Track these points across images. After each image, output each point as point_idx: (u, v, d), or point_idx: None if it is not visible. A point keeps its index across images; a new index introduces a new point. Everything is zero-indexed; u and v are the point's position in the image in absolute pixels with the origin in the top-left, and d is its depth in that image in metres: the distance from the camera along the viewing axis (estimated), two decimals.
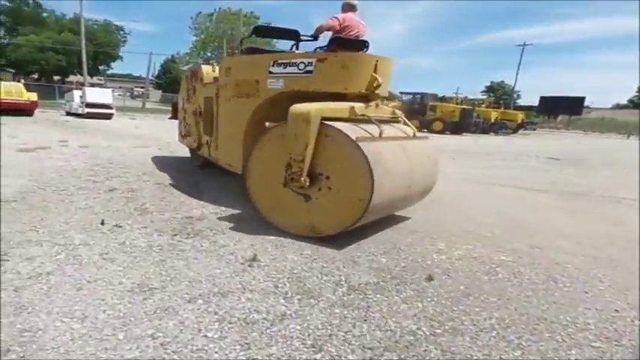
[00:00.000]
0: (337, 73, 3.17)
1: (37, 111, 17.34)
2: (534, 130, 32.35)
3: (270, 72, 3.38)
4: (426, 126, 22.36)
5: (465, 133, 22.23)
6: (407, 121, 3.62)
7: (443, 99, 25.65)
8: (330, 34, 3.92)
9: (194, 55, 42.54)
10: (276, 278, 2.25)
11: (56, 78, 43.86)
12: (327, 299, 2.05)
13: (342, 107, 3.05)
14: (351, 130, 2.80)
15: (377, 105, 3.48)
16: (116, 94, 41.57)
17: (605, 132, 35.98)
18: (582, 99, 42.38)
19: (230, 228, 3.03)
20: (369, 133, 2.88)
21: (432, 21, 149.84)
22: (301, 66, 3.23)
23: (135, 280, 2.11)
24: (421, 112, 23.33)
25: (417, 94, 24.34)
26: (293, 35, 3.97)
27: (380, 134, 2.91)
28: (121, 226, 2.89)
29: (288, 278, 2.26)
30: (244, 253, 2.56)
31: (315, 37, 4.05)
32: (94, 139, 8.00)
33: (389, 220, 3.40)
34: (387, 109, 3.63)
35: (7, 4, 44.65)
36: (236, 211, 3.46)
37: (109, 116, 14.45)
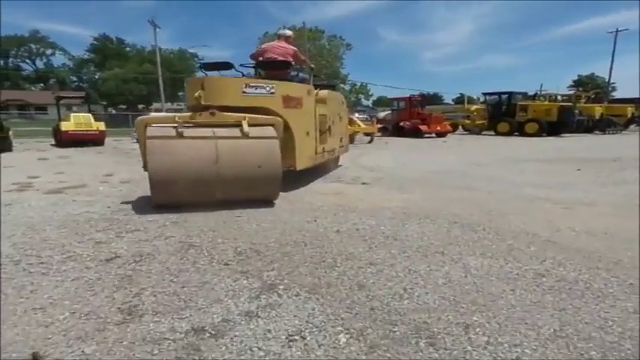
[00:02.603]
0: (189, 92, 4.71)
1: (112, 139, 17.66)
2: None
3: None
4: (517, 129, 19.69)
5: (563, 134, 19.20)
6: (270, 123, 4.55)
7: (535, 97, 22.62)
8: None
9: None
10: None
11: (140, 107, 46.45)
12: None
13: (165, 116, 5.13)
14: (156, 131, 4.04)
15: (212, 114, 4.33)
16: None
17: None
18: None
19: None
20: (169, 133, 3.99)
21: (503, 18, 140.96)
22: None
23: None
24: (510, 113, 20.65)
25: (503, 93, 21.61)
26: (228, 66, 5.23)
27: (180, 134, 3.98)
28: None
29: None
30: None
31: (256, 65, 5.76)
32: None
33: None
34: (226, 116, 4.37)
35: (95, 42, 48.69)
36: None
37: None
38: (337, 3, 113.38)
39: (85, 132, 12.68)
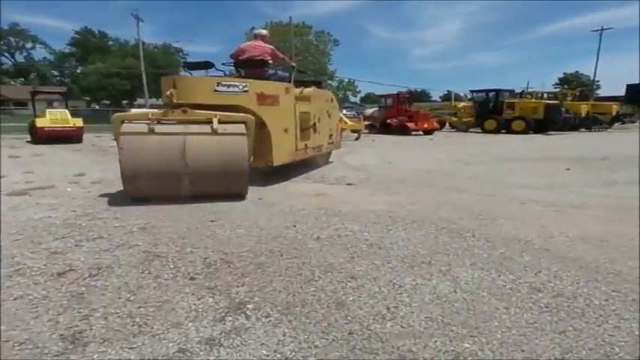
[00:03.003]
0: (163, 90, 4.77)
1: (93, 135, 17.16)
2: (634, 122, 28.06)
3: None
4: (504, 126, 19.68)
5: (550, 132, 19.24)
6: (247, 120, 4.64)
7: (521, 95, 22.66)
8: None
9: None
10: None
11: (125, 102, 45.59)
12: None
13: (140, 113, 4.90)
14: (130, 127, 4.22)
15: (184, 111, 4.48)
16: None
17: None
18: None
19: None
20: (141, 130, 4.18)
21: (491, 16, 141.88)
22: None
23: None
24: (497, 111, 20.64)
25: (491, 91, 21.58)
26: (209, 65, 5.43)
27: (151, 130, 4.17)
28: None
29: None
30: None
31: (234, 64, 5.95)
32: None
33: None
34: (198, 113, 4.50)
35: (77, 36, 47.49)
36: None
37: None
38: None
39: (61, 128, 12.19)
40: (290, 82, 5.86)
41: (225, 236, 3.09)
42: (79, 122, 12.76)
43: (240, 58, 5.79)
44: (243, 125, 4.56)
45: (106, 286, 2.21)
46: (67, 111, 12.99)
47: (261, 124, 5.06)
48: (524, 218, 3.59)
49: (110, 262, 2.54)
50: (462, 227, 3.31)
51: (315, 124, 6.32)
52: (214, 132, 4.33)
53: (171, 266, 2.49)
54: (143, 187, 4.14)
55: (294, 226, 3.37)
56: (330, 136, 7.23)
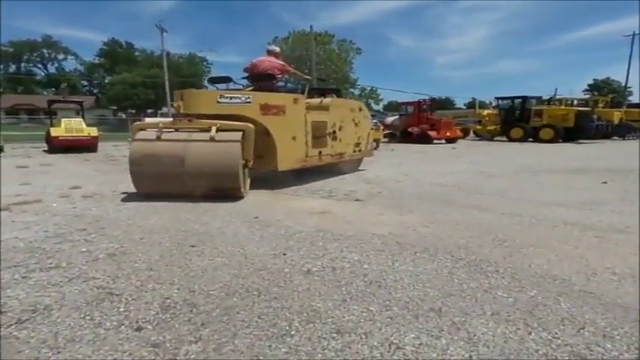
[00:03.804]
0: (175, 102, 5.49)
1: (111, 144, 17.19)
2: None
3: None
4: (531, 135, 18.78)
5: (580, 140, 18.25)
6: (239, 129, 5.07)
7: (549, 102, 21.68)
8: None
9: None
10: None
11: (150, 111, 46.29)
12: None
13: (155, 122, 5.81)
14: (142, 134, 4.98)
15: (190, 120, 5.10)
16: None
17: None
18: None
19: None
20: (151, 137, 4.85)
21: (516, 24, 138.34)
22: None
23: None
24: (523, 118, 19.75)
25: (517, 98, 20.70)
26: (228, 80, 6.21)
27: (158, 137, 4.82)
28: None
29: None
30: None
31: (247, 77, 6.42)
32: (124, 183, 6.49)
33: None
34: (201, 122, 5.04)
35: (105, 47, 48.70)
36: None
37: None
38: (350, 9, 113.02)
39: (75, 138, 12.14)
40: (302, 93, 6.30)
41: (199, 267, 2.63)
42: (93, 132, 12.70)
43: (252, 72, 6.32)
44: (240, 133, 4.97)
45: (30, 337, 1.78)
46: (82, 120, 12.95)
47: (266, 132, 5.51)
48: (558, 246, 3.01)
49: (52, 302, 2.12)
50: (483, 258, 2.76)
51: (334, 133, 6.72)
52: (212, 139, 4.81)
53: (121, 309, 2.05)
54: (149, 185, 4.85)
55: (284, 254, 2.89)
56: (358, 144, 7.55)
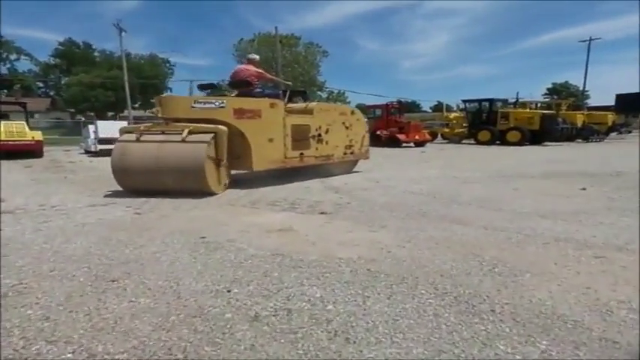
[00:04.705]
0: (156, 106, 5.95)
1: (62, 149, 16.01)
2: (630, 132, 27.44)
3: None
4: (499, 137, 18.83)
5: (546, 143, 18.43)
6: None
7: (515, 104, 21.90)
8: None
9: None
10: None
11: (110, 114, 44.30)
12: None
13: (135, 126, 6.11)
14: (125, 136, 5.61)
15: (167, 123, 5.59)
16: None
17: None
18: None
19: None
20: (131, 138, 5.47)
21: (477, 29, 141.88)
22: None
23: None
24: (491, 121, 19.81)
25: (484, 100, 20.77)
26: (214, 87, 7.79)
27: (137, 139, 5.41)
28: None
29: None
30: None
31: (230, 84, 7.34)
32: (59, 195, 5.70)
33: None
34: (177, 125, 5.51)
35: (60, 47, 46.29)
36: None
37: None
38: (317, 13, 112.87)
39: (17, 142, 11.07)
40: (279, 98, 6.75)
41: (114, 315, 2.01)
42: (37, 135, 11.67)
43: (233, 79, 6.93)
44: (210, 135, 5.41)
45: None
46: (24, 123, 11.84)
47: (242, 135, 5.89)
48: (557, 272, 2.55)
49: None
50: (474, 291, 2.26)
51: (319, 136, 7.05)
52: (183, 140, 5.27)
53: None
54: (128, 181, 5.45)
55: (228, 291, 2.30)
56: (349, 146, 7.81)
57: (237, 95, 6.61)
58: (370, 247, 3.11)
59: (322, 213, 4.35)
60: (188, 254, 2.96)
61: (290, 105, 6.94)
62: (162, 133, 5.47)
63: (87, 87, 38.91)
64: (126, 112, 43.86)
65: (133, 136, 5.47)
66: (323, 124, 7.13)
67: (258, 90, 6.82)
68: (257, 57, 7.40)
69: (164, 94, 6.08)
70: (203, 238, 3.38)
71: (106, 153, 11.93)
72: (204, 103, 5.77)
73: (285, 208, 4.69)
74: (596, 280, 2.41)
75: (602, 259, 2.80)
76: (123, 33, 30.95)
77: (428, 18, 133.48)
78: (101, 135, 12.20)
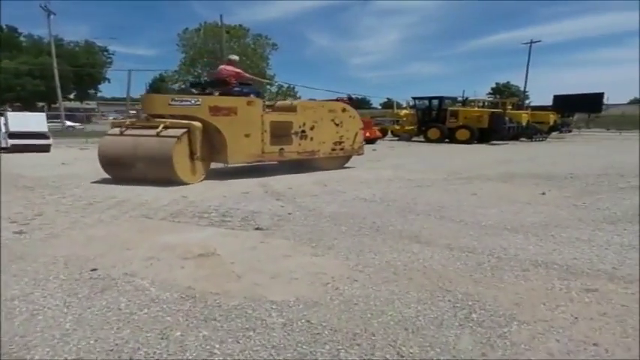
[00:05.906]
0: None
1: None
2: (570, 132, 28.66)
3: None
4: (448, 135, 18.82)
5: (493, 141, 18.65)
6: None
7: (464, 103, 22.08)
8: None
9: (183, 73, 39.52)
10: None
11: (41, 104, 40.73)
12: None
13: (122, 121, 7.33)
14: (112, 130, 6.39)
15: (148, 119, 6.18)
16: (111, 118, 38.33)
17: (632, 128, 32.33)
18: (601, 95, 37.51)
19: None
20: (116, 132, 6.21)
21: (426, 28, 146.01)
22: None
23: None
24: (440, 119, 19.78)
25: (434, 98, 20.73)
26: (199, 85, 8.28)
27: (121, 133, 6.10)
28: None
29: None
30: None
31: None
32: None
33: None
34: (156, 121, 6.00)
35: None
36: None
37: (44, 148, 11.06)
38: (267, 6, 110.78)
39: None
40: (260, 96, 7.46)
41: None
42: None
43: (213, 78, 7.52)
44: (182, 130, 5.90)
45: None
46: None
47: (218, 130, 6.30)
48: (551, 318, 1.98)
49: None
50: (451, 359, 1.63)
51: (303, 132, 7.32)
52: (157, 134, 5.77)
53: None
54: (113, 169, 6.09)
55: None
56: (339, 143, 7.98)
57: (221, 94, 6.91)
58: (312, 281, 2.41)
59: (257, 228, 3.61)
60: (60, 300, 2.13)
61: (278, 103, 7.81)
62: (143, 127, 6.03)
63: (12, 74, 35.49)
64: (66, 103, 40.66)
65: (117, 130, 6.24)
66: (308, 120, 7.39)
67: (237, 89, 7.15)
68: (237, 57, 7.90)
69: (146, 93, 5.90)
70: (94, 270, 2.55)
71: (19, 149, 10.54)
72: (181, 101, 6.29)
73: (214, 222, 3.90)
74: (600, 333, 1.85)
75: (595, 293, 2.27)
76: (52, 16, 28.30)
77: (378, 15, 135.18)
78: (12, 129, 10.68)
